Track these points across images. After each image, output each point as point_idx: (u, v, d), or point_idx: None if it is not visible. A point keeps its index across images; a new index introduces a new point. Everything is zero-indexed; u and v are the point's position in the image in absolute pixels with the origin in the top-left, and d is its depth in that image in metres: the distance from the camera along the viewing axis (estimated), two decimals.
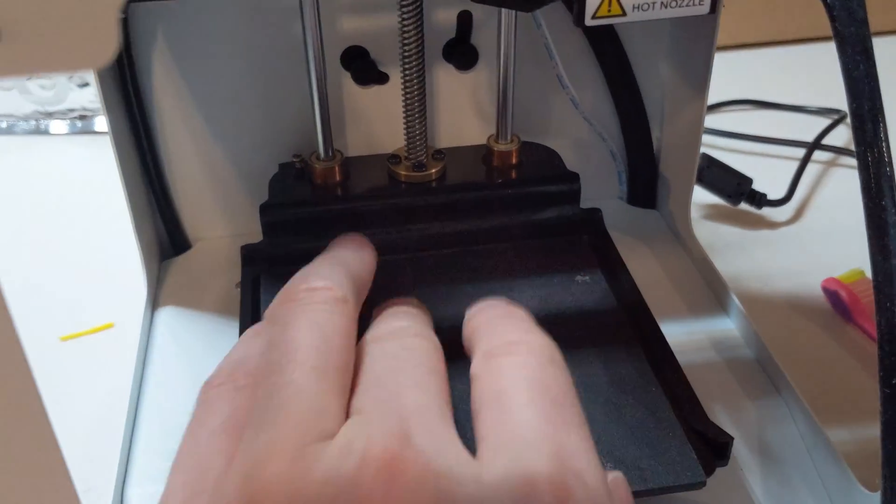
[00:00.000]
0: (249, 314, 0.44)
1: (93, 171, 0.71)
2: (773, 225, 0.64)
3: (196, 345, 0.47)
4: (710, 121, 0.75)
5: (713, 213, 0.64)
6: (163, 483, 0.39)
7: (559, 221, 0.50)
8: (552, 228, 0.49)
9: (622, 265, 0.47)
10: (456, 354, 0.41)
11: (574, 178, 0.50)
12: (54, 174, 0.71)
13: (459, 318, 0.44)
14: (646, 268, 0.52)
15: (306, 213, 0.48)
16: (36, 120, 0.78)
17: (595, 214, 0.50)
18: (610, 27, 0.52)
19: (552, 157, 0.52)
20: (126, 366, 0.45)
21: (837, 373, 0.49)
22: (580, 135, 0.56)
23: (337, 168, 0.49)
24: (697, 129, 0.52)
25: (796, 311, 0.54)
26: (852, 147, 0.33)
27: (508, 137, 0.50)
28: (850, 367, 0.49)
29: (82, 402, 0.47)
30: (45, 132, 0.77)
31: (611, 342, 0.42)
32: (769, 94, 0.80)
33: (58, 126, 0.77)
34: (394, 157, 0.50)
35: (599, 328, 0.43)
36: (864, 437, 0.44)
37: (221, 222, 0.55)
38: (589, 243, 0.49)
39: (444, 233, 0.49)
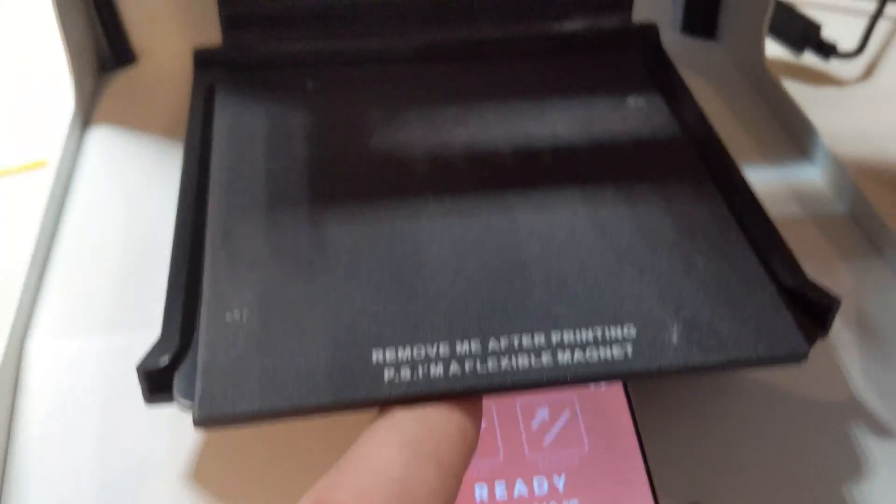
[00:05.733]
0: (198, 130, 0.34)
1: None
2: (841, 82, 0.52)
3: (132, 173, 0.37)
4: None
5: (771, 65, 0.53)
6: (74, 337, 0.30)
7: (606, 35, 0.39)
8: (596, 42, 0.38)
9: (685, 88, 0.37)
10: (476, 182, 0.31)
11: None
12: None
13: (478, 141, 0.34)
14: (708, 105, 0.42)
15: (278, 6, 0.37)
16: None
17: (650, 30, 0.39)
18: None
19: None
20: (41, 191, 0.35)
21: None
22: None
23: None
24: None
25: (871, 180, 0.44)
26: None
27: None
28: None
29: None
30: None
31: (675, 178, 0.32)
32: None
33: None
34: None
35: (659, 161, 0.33)
36: None
37: (176, 29, 0.44)
38: (643, 63, 0.38)
39: (459, 39, 0.38)
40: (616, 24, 0.39)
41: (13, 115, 0.45)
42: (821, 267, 0.34)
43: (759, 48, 0.44)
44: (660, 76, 0.37)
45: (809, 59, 0.52)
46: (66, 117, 0.38)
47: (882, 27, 0.57)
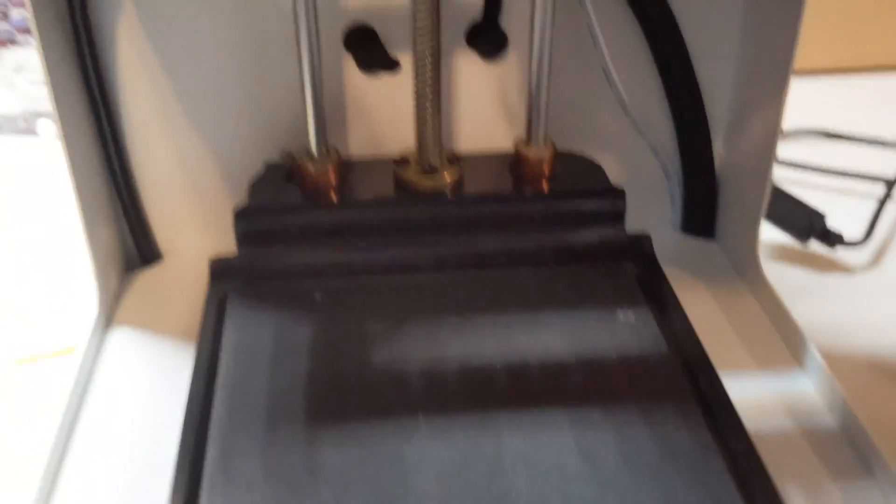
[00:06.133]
0: (209, 343, 0.36)
1: None
2: (848, 269, 0.54)
3: (148, 376, 0.39)
4: None
5: (778, 253, 0.54)
6: None
7: (599, 246, 0.41)
8: (590, 254, 0.40)
9: (675, 302, 0.38)
10: (467, 401, 0.33)
11: (618, 194, 0.41)
12: (43, 178, 0.64)
13: (471, 356, 0.36)
14: (702, 311, 0.43)
15: (290, 222, 0.39)
16: (25, 120, 0.71)
17: (643, 241, 0.41)
18: (668, 11, 0.43)
19: (593, 169, 0.43)
20: (60, 396, 0.37)
21: None
22: (626, 145, 0.47)
23: (332, 169, 0.40)
24: (771, 143, 0.43)
25: (881, 374, 0.44)
26: None
27: (541, 142, 0.41)
28: None
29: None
30: (33, 132, 0.70)
31: (661, 400, 0.33)
32: (840, 126, 0.70)
33: (47, 126, 0.70)
34: (401, 161, 0.42)
35: (646, 381, 0.34)
36: None
37: (199, 231, 0.47)
38: (634, 274, 0.40)
39: (459, 253, 0.40)
40: (610, 235, 0.41)
41: (53, 299, 0.48)
42: (809, 487, 0.34)
43: (754, 249, 0.45)
44: (651, 287, 0.39)
45: (817, 246, 0.53)
46: (92, 313, 0.41)
47: (890, 210, 0.58)
